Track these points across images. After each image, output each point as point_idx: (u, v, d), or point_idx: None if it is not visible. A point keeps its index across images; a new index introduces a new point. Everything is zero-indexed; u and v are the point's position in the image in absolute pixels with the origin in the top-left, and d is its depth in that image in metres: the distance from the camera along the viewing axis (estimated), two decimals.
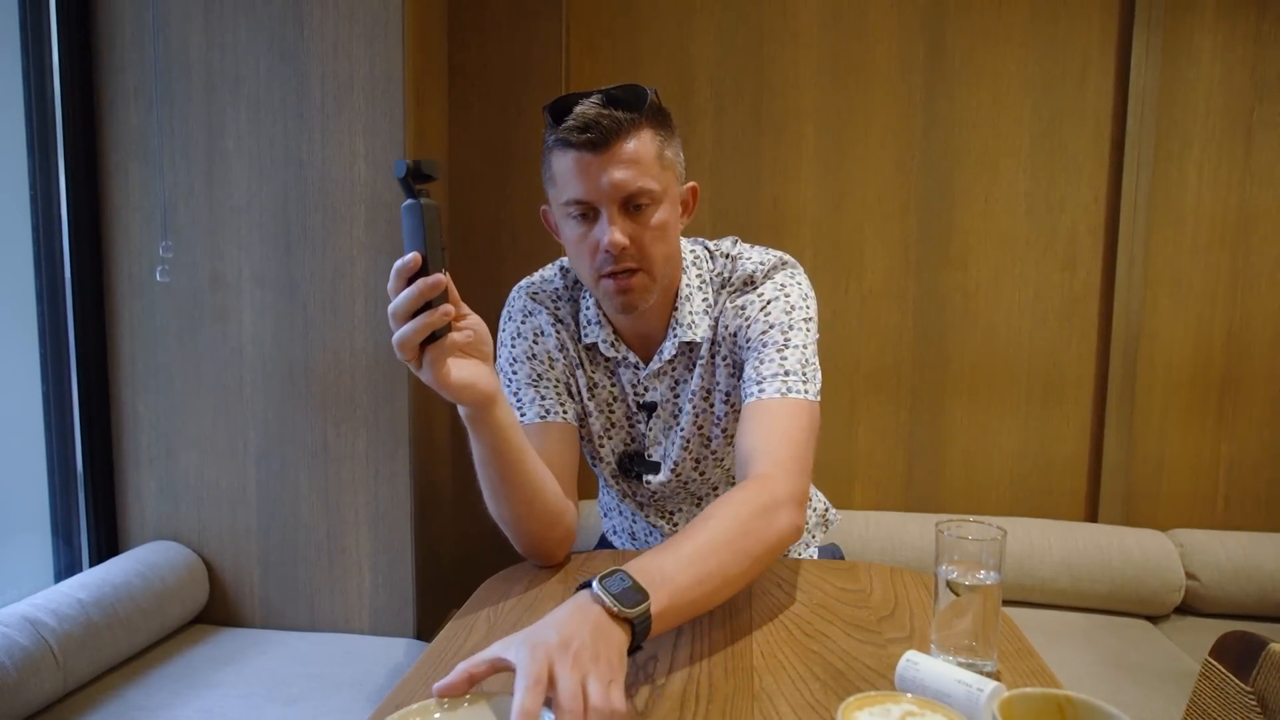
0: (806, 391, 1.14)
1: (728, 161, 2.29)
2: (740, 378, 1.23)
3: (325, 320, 1.86)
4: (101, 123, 1.87)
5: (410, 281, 0.91)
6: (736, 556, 0.95)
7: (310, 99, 1.82)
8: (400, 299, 0.91)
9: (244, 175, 1.85)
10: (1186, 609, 2.13)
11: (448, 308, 0.92)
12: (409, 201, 0.91)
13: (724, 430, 1.28)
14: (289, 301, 1.87)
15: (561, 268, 1.33)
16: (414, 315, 0.91)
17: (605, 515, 1.54)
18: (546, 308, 1.29)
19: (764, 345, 1.18)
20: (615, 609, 0.81)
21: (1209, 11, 2.15)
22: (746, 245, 1.29)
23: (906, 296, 2.29)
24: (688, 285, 1.25)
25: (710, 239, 1.32)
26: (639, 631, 0.82)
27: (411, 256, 0.91)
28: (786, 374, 1.15)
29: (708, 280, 1.27)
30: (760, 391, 1.14)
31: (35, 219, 1.80)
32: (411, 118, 1.86)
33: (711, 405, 1.27)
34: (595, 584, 0.83)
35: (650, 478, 1.32)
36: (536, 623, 0.79)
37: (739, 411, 1.25)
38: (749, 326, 1.20)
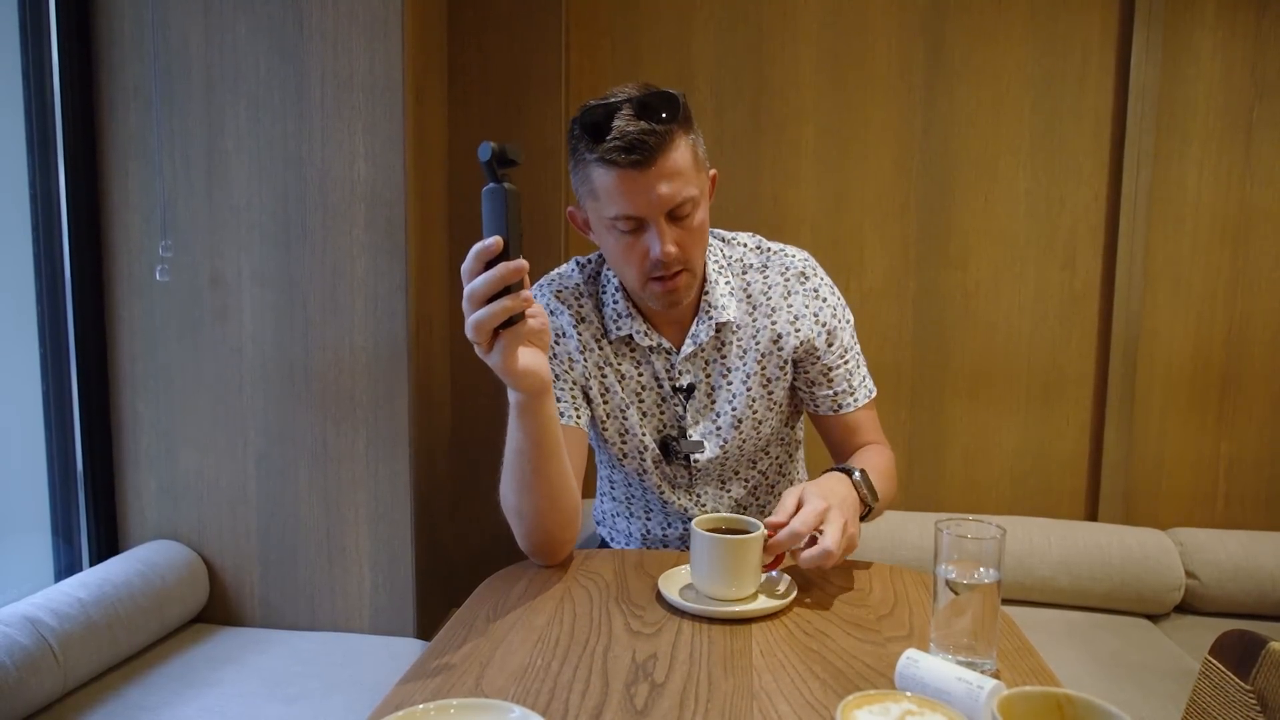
0: (874, 387, 1.40)
1: (728, 160, 2.29)
2: (794, 368, 1.33)
3: (325, 319, 1.86)
4: (101, 122, 1.86)
5: (489, 266, 0.91)
6: (890, 488, 1.31)
7: (310, 98, 1.82)
8: (480, 281, 0.91)
9: (243, 174, 1.85)
10: (1186, 608, 2.13)
11: (528, 294, 0.92)
12: (491, 186, 0.91)
13: (772, 412, 1.34)
14: (289, 301, 1.87)
15: (579, 263, 1.34)
16: (490, 299, 0.91)
17: (600, 523, 1.54)
18: (570, 307, 1.31)
19: (845, 350, 1.34)
20: (865, 495, 1.18)
21: (1209, 9, 2.15)
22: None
23: (906, 295, 2.29)
24: (713, 271, 1.29)
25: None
26: (866, 512, 1.19)
27: (493, 240, 0.91)
28: (864, 376, 1.38)
29: (725, 265, 1.31)
30: (855, 401, 1.35)
31: (35, 218, 1.80)
32: (411, 116, 1.85)
33: (770, 393, 1.32)
34: (856, 474, 1.18)
35: (698, 456, 1.33)
36: (816, 484, 1.12)
37: (790, 398, 1.36)
38: (830, 334, 1.32)
